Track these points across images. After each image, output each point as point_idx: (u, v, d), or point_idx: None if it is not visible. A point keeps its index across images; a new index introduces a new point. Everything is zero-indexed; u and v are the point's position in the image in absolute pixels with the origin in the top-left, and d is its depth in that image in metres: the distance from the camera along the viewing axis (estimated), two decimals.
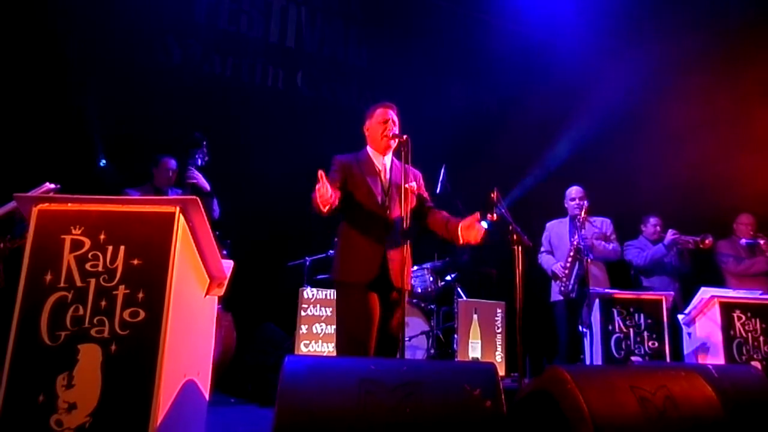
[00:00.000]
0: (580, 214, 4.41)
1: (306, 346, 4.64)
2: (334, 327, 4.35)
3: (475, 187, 4.57)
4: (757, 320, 3.92)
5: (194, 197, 1.83)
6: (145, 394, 1.65)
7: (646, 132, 6.37)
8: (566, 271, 4.46)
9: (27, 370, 1.65)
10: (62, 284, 1.72)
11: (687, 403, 1.80)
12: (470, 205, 5.23)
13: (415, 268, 5.14)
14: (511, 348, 5.30)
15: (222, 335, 4.02)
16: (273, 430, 1.52)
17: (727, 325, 3.88)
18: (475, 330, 5.19)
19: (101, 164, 5.09)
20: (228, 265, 2.29)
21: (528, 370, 5.52)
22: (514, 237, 3.54)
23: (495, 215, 3.56)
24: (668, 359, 4.07)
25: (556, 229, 4.80)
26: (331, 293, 4.83)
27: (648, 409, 1.74)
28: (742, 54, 5.80)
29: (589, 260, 4.22)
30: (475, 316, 5.22)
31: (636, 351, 4.04)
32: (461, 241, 2.94)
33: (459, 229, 2.91)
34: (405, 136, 2.94)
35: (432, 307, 5.19)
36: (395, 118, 3.08)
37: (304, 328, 4.67)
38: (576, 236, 4.38)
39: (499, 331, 5.35)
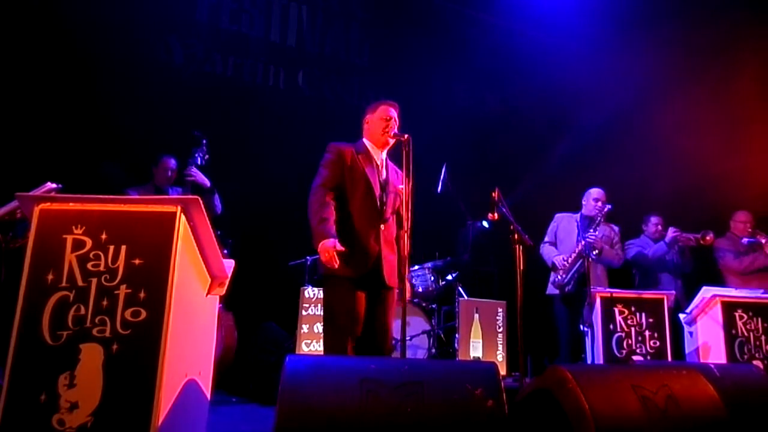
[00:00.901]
0: (600, 216, 4.42)
1: (307, 345, 4.64)
2: None
3: (476, 186, 4.58)
4: (759, 319, 3.91)
5: (195, 197, 1.84)
6: (147, 394, 1.65)
7: (647, 131, 6.36)
8: (566, 264, 4.47)
9: (29, 369, 1.65)
10: (64, 284, 1.72)
11: (689, 403, 1.80)
12: (471, 204, 5.26)
13: (416, 267, 5.14)
14: (512, 347, 5.30)
15: (223, 335, 4.02)
16: (274, 429, 1.52)
17: (729, 324, 3.87)
18: (476, 329, 5.19)
19: (103, 164, 5.09)
20: (229, 264, 2.29)
21: (529, 370, 5.51)
22: (515, 236, 3.54)
23: (496, 214, 3.56)
24: (670, 358, 4.07)
25: (565, 224, 4.77)
26: None
27: (650, 408, 1.74)
28: (744, 52, 5.79)
29: (590, 259, 4.22)
30: (476, 316, 5.21)
31: (637, 350, 4.04)
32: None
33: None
34: (406, 135, 2.94)
35: (433, 306, 5.18)
36: (397, 118, 3.08)
37: (305, 328, 4.67)
38: (589, 234, 4.35)
39: (501, 330, 5.35)
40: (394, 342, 4.67)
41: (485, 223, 5.62)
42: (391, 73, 6.94)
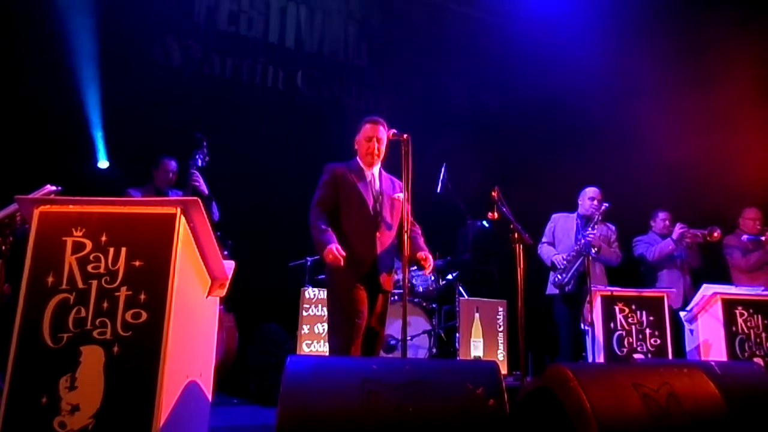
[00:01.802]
0: (598, 215, 4.42)
1: (308, 346, 4.64)
2: None
3: (476, 185, 4.58)
4: (759, 316, 3.91)
5: (195, 198, 1.84)
6: (148, 396, 1.65)
7: (650, 127, 6.35)
8: (565, 263, 4.47)
9: (30, 372, 1.65)
10: (64, 286, 1.72)
11: (690, 400, 1.80)
12: (471, 204, 5.26)
13: (417, 267, 5.14)
14: (513, 346, 5.30)
15: (224, 336, 4.02)
16: (276, 430, 1.52)
17: (730, 321, 3.87)
18: (476, 329, 5.19)
19: (102, 166, 5.10)
20: (229, 265, 2.29)
21: (530, 369, 5.52)
22: (516, 235, 3.54)
23: (496, 213, 3.56)
24: (671, 356, 4.07)
25: (562, 223, 4.77)
26: None
27: (651, 406, 1.74)
28: (750, 47, 5.78)
29: (590, 258, 4.22)
30: (476, 315, 5.21)
31: (638, 348, 4.04)
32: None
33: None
34: (405, 135, 2.97)
35: (433, 306, 5.18)
36: (381, 135, 3.16)
37: (305, 328, 4.67)
38: (588, 232, 4.36)
39: (501, 329, 5.35)
40: (394, 342, 4.70)
41: (485, 223, 5.63)
42: (390, 74, 6.94)
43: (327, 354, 4.49)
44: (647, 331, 4.07)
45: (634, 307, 4.10)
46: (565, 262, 4.47)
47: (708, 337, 4.02)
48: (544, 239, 4.82)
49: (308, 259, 5.04)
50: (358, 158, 3.23)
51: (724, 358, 3.79)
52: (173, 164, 4.27)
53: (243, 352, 4.48)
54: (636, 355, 4.01)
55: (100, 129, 5.01)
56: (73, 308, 1.71)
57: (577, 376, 1.76)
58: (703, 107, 5.82)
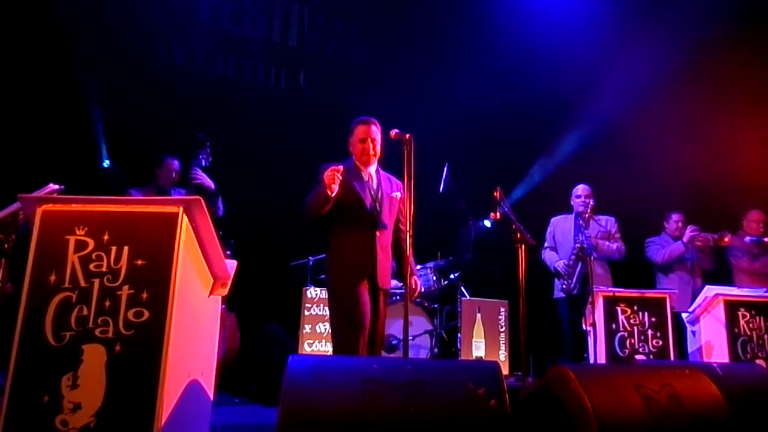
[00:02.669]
0: (586, 212, 4.40)
1: (309, 345, 4.64)
2: None
3: (478, 185, 4.57)
4: (762, 318, 3.90)
5: (197, 197, 1.84)
6: (150, 394, 1.65)
7: (657, 128, 6.34)
8: (569, 269, 4.46)
9: (32, 370, 1.66)
10: (66, 285, 1.73)
11: (692, 402, 1.80)
12: (473, 204, 5.26)
13: (418, 267, 5.14)
14: (514, 347, 5.29)
15: (226, 335, 4.02)
16: (277, 429, 1.52)
17: (732, 323, 3.86)
18: (478, 329, 5.19)
19: (105, 165, 5.10)
20: (231, 264, 2.29)
21: (532, 369, 5.52)
22: (518, 235, 3.53)
23: (498, 214, 3.56)
24: (672, 357, 4.06)
25: (561, 225, 4.78)
26: None
27: (652, 407, 1.74)
28: (758, 47, 5.76)
29: (592, 259, 4.21)
30: (478, 315, 5.21)
31: (640, 349, 4.03)
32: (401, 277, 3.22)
33: (406, 271, 3.03)
34: (408, 135, 2.97)
35: (435, 306, 5.18)
36: (374, 135, 3.16)
37: (307, 328, 4.67)
38: (580, 234, 4.37)
39: (503, 329, 5.35)
40: (396, 342, 4.70)
41: (487, 223, 5.62)
42: (392, 73, 6.94)
43: (329, 354, 4.50)
44: (649, 332, 4.06)
45: (636, 308, 4.09)
46: (567, 268, 4.47)
47: (710, 338, 4.02)
48: (546, 244, 4.83)
49: (310, 258, 5.04)
50: (353, 159, 3.22)
51: (726, 359, 3.78)
52: (176, 163, 4.27)
53: (245, 352, 4.48)
54: (638, 356, 4.00)
55: (103, 128, 5.02)
56: (76, 307, 1.71)
57: (579, 377, 1.76)
58: (716, 106, 5.80)
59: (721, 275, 4.88)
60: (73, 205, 1.80)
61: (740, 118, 5.80)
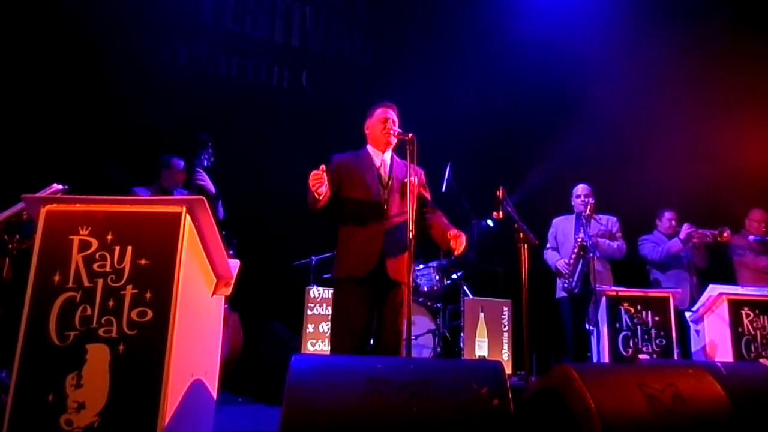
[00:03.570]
0: (586, 212, 4.40)
1: (312, 345, 4.65)
2: None
3: (481, 185, 4.57)
4: (766, 317, 3.89)
5: (201, 197, 1.84)
6: (153, 394, 1.65)
7: (657, 128, 6.32)
8: (570, 268, 4.46)
9: (36, 370, 1.66)
10: (70, 284, 1.73)
11: (695, 401, 1.79)
12: (475, 203, 5.25)
13: (421, 266, 5.14)
14: (518, 346, 5.29)
15: (229, 335, 4.03)
16: (280, 429, 1.52)
17: (736, 322, 3.85)
18: (481, 328, 5.18)
19: (108, 164, 5.11)
20: (234, 264, 2.30)
21: (535, 368, 5.51)
22: (521, 235, 3.53)
23: (501, 213, 3.55)
24: (676, 357, 4.06)
25: (562, 226, 4.79)
26: None
27: (656, 406, 1.73)
28: (759, 45, 5.74)
29: (593, 258, 4.21)
30: (481, 315, 5.21)
31: (644, 348, 4.02)
32: (445, 247, 2.99)
33: (448, 235, 2.93)
34: (410, 135, 2.95)
35: (438, 305, 5.18)
36: (395, 118, 3.13)
37: (310, 327, 4.68)
38: (581, 233, 4.37)
39: (506, 329, 5.34)
40: None
41: (490, 222, 5.62)
42: (395, 73, 6.93)
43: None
44: (653, 331, 4.06)
45: (639, 307, 4.09)
46: (568, 267, 4.47)
47: (714, 337, 4.01)
48: (548, 245, 4.84)
49: (313, 258, 5.05)
50: (368, 145, 3.16)
51: (730, 358, 3.77)
52: (182, 164, 4.28)
53: (248, 351, 4.49)
54: (641, 356, 4.00)
55: (106, 128, 5.02)
56: (79, 306, 1.71)
57: (582, 377, 1.76)
58: (716, 105, 5.79)
59: (717, 273, 4.86)
60: (76, 205, 1.81)
61: (741, 117, 5.79)
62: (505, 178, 3.96)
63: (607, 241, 4.63)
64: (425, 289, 5.08)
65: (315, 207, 2.85)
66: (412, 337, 4.04)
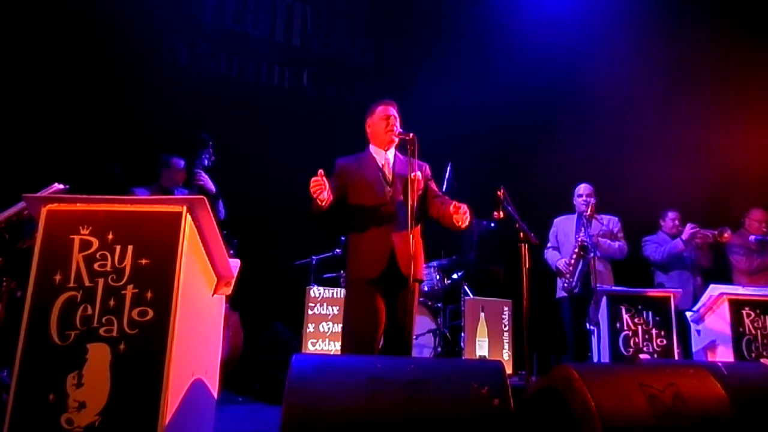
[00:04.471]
0: (587, 211, 4.40)
1: (313, 344, 4.65)
2: (341, 325, 4.36)
3: (482, 184, 4.56)
4: (767, 317, 3.89)
5: (201, 197, 1.84)
6: (154, 393, 1.65)
7: (658, 128, 6.32)
8: (570, 268, 4.46)
9: (37, 369, 1.66)
10: (71, 284, 1.73)
11: (696, 401, 1.79)
12: (476, 203, 5.25)
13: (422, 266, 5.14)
14: (518, 346, 5.29)
15: (229, 334, 4.03)
16: (280, 428, 1.52)
17: (737, 322, 3.85)
18: (482, 328, 5.19)
19: (108, 164, 5.11)
20: (235, 264, 2.30)
21: (535, 368, 5.51)
22: (521, 235, 3.53)
23: (502, 213, 3.55)
24: (677, 357, 4.05)
25: (563, 225, 4.79)
26: (337, 292, 4.84)
27: (657, 406, 1.73)
28: (760, 45, 5.73)
29: (594, 258, 4.21)
30: (482, 314, 5.21)
31: (644, 348, 4.02)
32: (452, 224, 2.96)
33: (449, 209, 2.92)
34: (411, 134, 2.95)
35: (439, 305, 5.18)
36: (396, 115, 3.13)
37: (311, 327, 4.68)
38: (581, 233, 4.37)
39: (506, 329, 5.34)
40: None
41: (491, 222, 5.62)
42: (396, 72, 6.93)
43: (332, 353, 4.51)
44: (653, 331, 4.06)
45: (640, 307, 4.09)
46: (569, 267, 4.47)
47: (715, 337, 4.00)
48: (548, 245, 4.83)
49: (313, 257, 5.05)
50: (370, 145, 3.16)
51: (730, 358, 3.77)
52: (182, 164, 4.28)
53: (248, 351, 4.49)
54: (642, 356, 4.00)
55: (107, 127, 5.03)
56: (80, 306, 1.71)
57: (583, 376, 1.76)
58: (718, 105, 5.78)
59: (721, 273, 4.86)
60: (77, 204, 1.81)
61: (741, 117, 5.78)
62: (506, 178, 3.96)
63: (608, 241, 4.63)
64: (426, 288, 5.08)
65: (319, 212, 2.85)
66: (413, 337, 4.04)
